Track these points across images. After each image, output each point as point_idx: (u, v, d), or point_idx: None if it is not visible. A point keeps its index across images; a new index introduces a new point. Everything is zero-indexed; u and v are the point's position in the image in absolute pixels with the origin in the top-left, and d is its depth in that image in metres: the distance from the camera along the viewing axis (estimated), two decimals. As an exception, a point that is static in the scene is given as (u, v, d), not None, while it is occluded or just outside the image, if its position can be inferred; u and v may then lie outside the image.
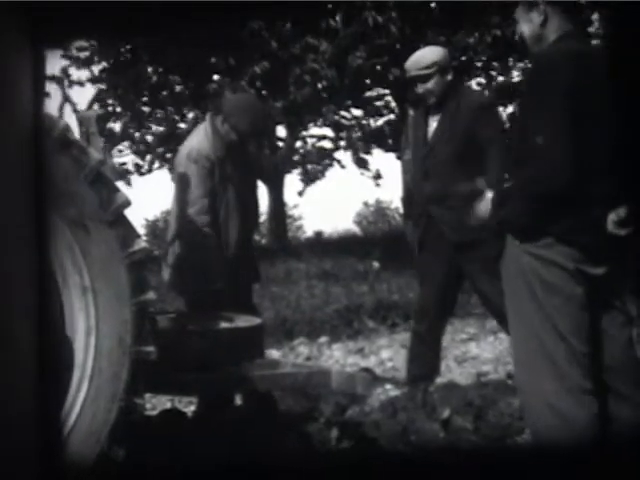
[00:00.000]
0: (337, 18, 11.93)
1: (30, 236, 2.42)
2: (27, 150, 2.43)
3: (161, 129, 15.69)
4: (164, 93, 14.38)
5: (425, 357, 4.88)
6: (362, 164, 16.74)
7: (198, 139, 4.74)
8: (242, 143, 4.71)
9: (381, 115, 16.47)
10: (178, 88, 14.25)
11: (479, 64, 13.69)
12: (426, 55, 4.76)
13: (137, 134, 15.80)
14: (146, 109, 15.17)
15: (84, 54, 14.31)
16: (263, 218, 21.22)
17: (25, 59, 2.37)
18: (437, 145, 4.70)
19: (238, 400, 4.73)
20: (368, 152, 16.78)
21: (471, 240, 4.57)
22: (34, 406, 2.43)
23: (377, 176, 17.27)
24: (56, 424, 2.77)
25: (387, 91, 14.89)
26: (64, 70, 13.93)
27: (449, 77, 4.72)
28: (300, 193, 19.06)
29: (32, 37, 2.33)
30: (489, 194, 3.63)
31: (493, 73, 14.10)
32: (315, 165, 19.20)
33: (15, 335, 2.35)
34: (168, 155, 15.18)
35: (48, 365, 2.49)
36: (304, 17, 12.10)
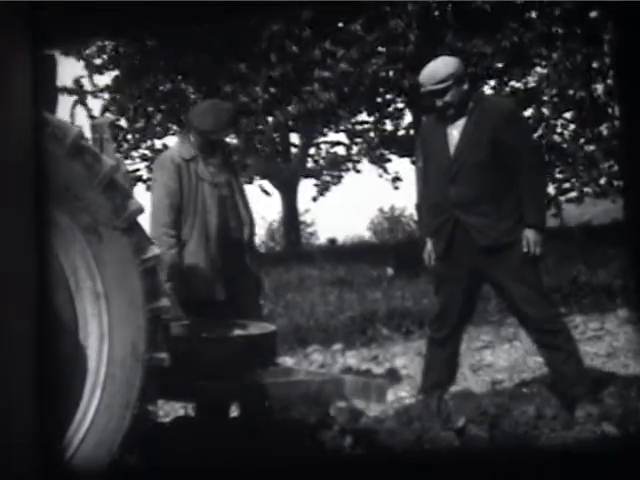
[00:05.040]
0: (357, 24, 11.94)
1: (30, 236, 2.42)
2: (27, 149, 2.42)
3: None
4: (176, 99, 14.39)
5: (442, 365, 4.85)
6: (380, 161, 16.68)
7: (170, 149, 5.08)
8: (210, 143, 4.79)
9: (395, 119, 16.42)
10: (190, 95, 14.26)
11: (494, 70, 13.66)
12: (440, 68, 4.71)
13: (149, 142, 15.80)
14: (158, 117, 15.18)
15: (98, 61, 14.37)
16: (276, 225, 21.20)
17: (25, 59, 2.36)
18: (464, 151, 4.67)
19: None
20: (384, 158, 16.75)
21: (500, 245, 4.61)
22: (33, 406, 2.42)
23: (396, 178, 17.18)
24: (56, 425, 2.75)
25: (401, 97, 14.87)
26: (77, 81, 13.97)
27: (465, 86, 4.70)
28: (314, 199, 18.97)
29: (32, 37, 2.33)
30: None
31: (512, 82, 14.06)
32: (330, 172, 19.15)
33: (14, 335, 2.35)
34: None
35: (47, 365, 2.48)
36: (322, 23, 12.12)
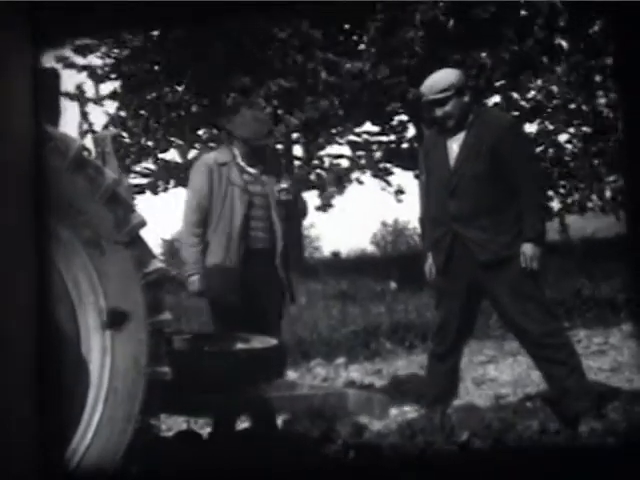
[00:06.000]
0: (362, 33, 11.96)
1: (30, 249, 2.41)
2: (26, 151, 2.42)
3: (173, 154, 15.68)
4: (178, 112, 14.40)
5: (443, 379, 4.84)
6: (383, 175, 16.66)
7: (208, 154, 5.38)
8: (254, 152, 4.98)
9: (398, 132, 16.42)
10: (194, 108, 14.26)
11: (496, 84, 13.66)
12: (442, 78, 4.74)
13: (151, 157, 15.79)
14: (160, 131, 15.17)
15: (100, 71, 14.40)
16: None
17: (25, 59, 2.36)
18: (463, 164, 4.67)
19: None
20: (388, 171, 16.73)
21: (499, 259, 4.59)
22: (34, 411, 2.41)
23: (399, 191, 17.16)
24: (56, 429, 2.74)
25: (403, 109, 14.88)
26: (79, 87, 13.99)
27: (466, 98, 4.72)
28: (318, 208, 18.83)
29: (32, 37, 2.33)
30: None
31: (513, 94, 14.06)
32: (333, 187, 19.09)
33: (13, 337, 2.34)
34: (182, 176, 15.14)
35: (47, 369, 2.47)
36: (326, 33, 12.14)
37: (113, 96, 14.51)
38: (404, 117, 15.61)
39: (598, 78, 13.01)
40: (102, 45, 14.11)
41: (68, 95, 13.35)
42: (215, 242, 4.88)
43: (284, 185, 4.99)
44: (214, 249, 4.88)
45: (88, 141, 3.58)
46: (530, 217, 4.61)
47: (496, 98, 14.10)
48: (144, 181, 15.85)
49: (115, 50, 14.28)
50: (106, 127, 13.96)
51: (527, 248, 4.57)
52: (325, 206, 18.22)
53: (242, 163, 4.97)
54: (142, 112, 14.64)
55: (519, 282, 4.59)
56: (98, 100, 14.25)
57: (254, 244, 4.92)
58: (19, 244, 2.40)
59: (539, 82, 13.72)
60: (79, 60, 14.20)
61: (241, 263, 4.86)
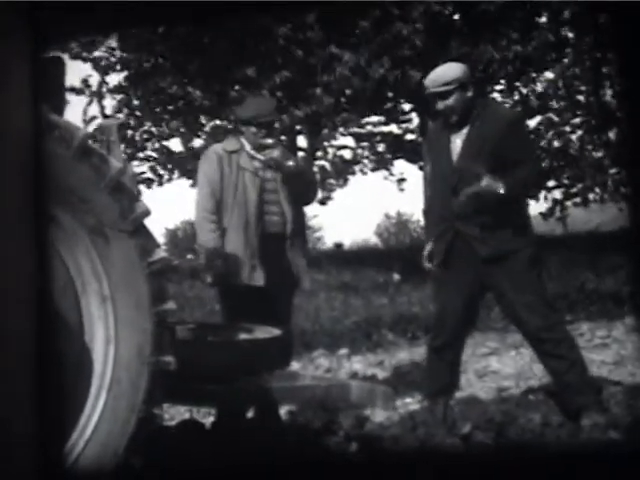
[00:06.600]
0: (362, 27, 11.94)
1: (32, 237, 2.41)
2: (28, 150, 2.41)
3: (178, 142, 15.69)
4: (184, 102, 14.40)
5: (442, 371, 4.83)
6: (385, 165, 16.68)
7: (217, 143, 5.36)
8: (258, 131, 4.97)
9: (401, 123, 16.41)
10: (198, 98, 14.26)
11: (501, 79, 13.63)
12: (446, 72, 4.72)
13: (157, 144, 15.79)
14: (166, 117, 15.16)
15: (105, 62, 14.41)
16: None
17: (25, 59, 2.35)
18: (465, 160, 4.65)
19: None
20: (389, 159, 16.75)
21: (500, 254, 4.57)
22: (35, 407, 2.41)
23: (401, 180, 17.18)
24: (57, 426, 2.73)
25: (407, 101, 14.86)
26: (84, 80, 14.02)
27: (470, 93, 4.68)
28: (321, 202, 18.89)
29: (32, 37, 2.32)
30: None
31: (518, 85, 14.03)
32: (335, 179, 19.12)
33: (15, 335, 2.34)
34: (188, 167, 15.17)
35: (49, 365, 2.47)
36: (328, 25, 12.13)
37: (119, 88, 14.54)
38: (407, 107, 15.60)
39: (604, 70, 12.98)
40: (106, 39, 14.13)
41: (74, 90, 13.40)
42: (233, 228, 4.87)
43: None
44: (233, 236, 4.87)
45: (93, 129, 3.56)
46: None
47: (500, 91, 14.10)
48: (150, 175, 15.88)
49: (119, 43, 14.28)
50: (113, 115, 13.99)
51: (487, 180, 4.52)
52: (325, 199, 18.28)
53: (252, 152, 4.98)
54: (149, 101, 14.67)
55: (522, 276, 4.58)
56: (107, 91, 14.28)
57: (269, 228, 4.93)
58: (20, 233, 2.39)
59: (545, 73, 13.71)
60: (84, 53, 14.25)
61: (260, 248, 4.87)
